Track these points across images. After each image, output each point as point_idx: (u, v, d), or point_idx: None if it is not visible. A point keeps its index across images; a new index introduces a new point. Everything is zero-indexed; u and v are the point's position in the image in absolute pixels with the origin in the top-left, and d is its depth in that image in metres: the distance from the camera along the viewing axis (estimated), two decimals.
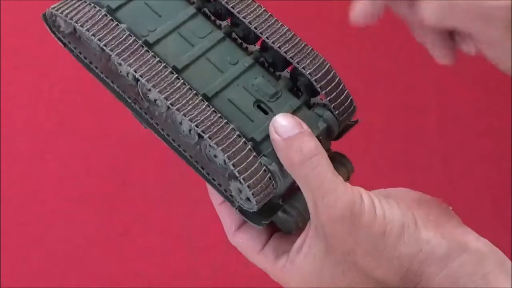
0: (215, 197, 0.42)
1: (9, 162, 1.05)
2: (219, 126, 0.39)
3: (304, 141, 0.38)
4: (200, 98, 0.39)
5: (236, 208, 0.41)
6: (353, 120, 0.44)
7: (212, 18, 0.44)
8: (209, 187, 0.42)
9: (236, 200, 0.41)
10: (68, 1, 0.42)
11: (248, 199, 0.39)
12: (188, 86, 0.40)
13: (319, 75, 0.41)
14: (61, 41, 0.43)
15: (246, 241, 0.42)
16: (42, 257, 1.02)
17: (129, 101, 0.42)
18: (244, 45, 0.44)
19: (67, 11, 0.41)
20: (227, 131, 0.39)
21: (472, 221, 0.42)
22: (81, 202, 1.04)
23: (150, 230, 1.04)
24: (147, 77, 0.39)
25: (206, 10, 0.44)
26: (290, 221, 0.41)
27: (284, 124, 0.39)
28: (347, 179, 0.43)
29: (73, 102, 1.08)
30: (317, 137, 0.40)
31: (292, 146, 0.38)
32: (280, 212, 0.41)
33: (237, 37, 0.44)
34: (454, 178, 1.07)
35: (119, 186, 1.05)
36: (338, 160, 0.43)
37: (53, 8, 0.42)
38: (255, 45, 0.44)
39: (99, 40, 0.40)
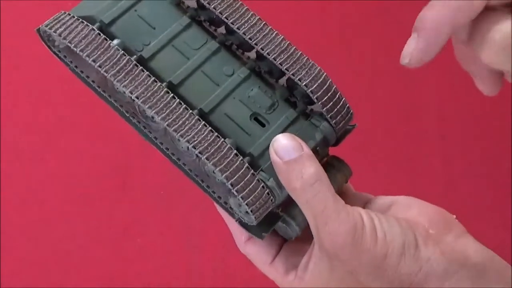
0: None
1: (9, 162, 1.05)
2: (216, 146, 0.39)
3: (305, 165, 0.38)
4: (197, 118, 0.39)
5: (236, 220, 0.41)
6: (351, 125, 0.44)
7: (207, 25, 0.44)
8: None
9: (236, 213, 0.41)
10: (60, 17, 0.42)
11: (247, 213, 0.39)
12: (184, 106, 0.39)
13: (315, 86, 0.41)
14: (57, 55, 0.43)
15: (257, 253, 0.42)
16: (42, 257, 1.02)
17: (128, 115, 0.42)
18: (240, 51, 0.44)
19: (60, 29, 0.41)
20: (224, 151, 0.39)
21: (472, 221, 0.42)
22: (81, 202, 1.04)
23: (150, 230, 1.04)
24: (143, 99, 0.39)
25: (200, 17, 0.43)
26: (290, 230, 0.41)
27: (284, 146, 0.38)
28: (345, 181, 0.43)
29: (73, 102, 1.08)
30: (315, 147, 0.41)
31: (293, 171, 0.38)
32: (280, 222, 0.41)
33: (232, 44, 0.43)
34: (454, 178, 1.07)
35: (119, 186, 1.05)
36: (335, 166, 0.43)
37: (46, 26, 0.42)
38: (251, 52, 0.43)
39: (94, 61, 0.40)
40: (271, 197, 0.39)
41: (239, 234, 0.42)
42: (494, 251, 0.40)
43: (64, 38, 0.40)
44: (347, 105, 0.42)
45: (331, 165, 0.43)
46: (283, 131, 0.41)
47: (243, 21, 0.41)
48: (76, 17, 0.41)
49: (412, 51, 0.35)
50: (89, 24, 0.41)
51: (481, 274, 0.38)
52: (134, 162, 1.06)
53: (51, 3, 1.15)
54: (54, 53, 0.43)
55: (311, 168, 0.38)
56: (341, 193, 0.44)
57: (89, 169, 1.06)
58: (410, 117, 1.11)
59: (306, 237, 0.42)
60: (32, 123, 1.07)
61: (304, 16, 1.16)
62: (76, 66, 0.42)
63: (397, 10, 1.19)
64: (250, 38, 0.41)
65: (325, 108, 0.41)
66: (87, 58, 0.40)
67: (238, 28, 0.41)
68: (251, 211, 0.39)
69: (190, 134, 0.39)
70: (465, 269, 0.38)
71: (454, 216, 0.41)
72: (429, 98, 1.13)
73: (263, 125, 0.41)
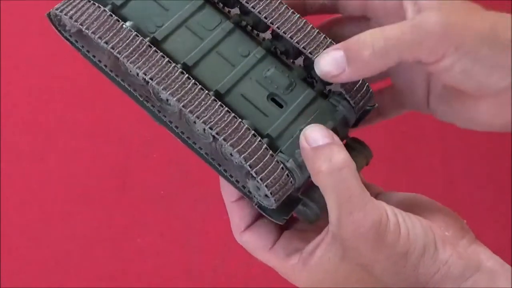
0: (228, 195, 0.41)
1: (9, 162, 1.05)
2: (234, 127, 0.38)
3: (334, 151, 0.37)
4: (213, 98, 0.38)
5: (255, 205, 0.40)
6: (371, 105, 0.43)
7: (221, 5, 0.43)
8: (223, 184, 0.41)
9: (254, 196, 0.40)
10: (71, 0, 0.41)
11: (266, 196, 0.38)
12: (200, 86, 0.39)
13: None
14: (68, 40, 0.42)
15: (255, 240, 0.41)
16: (42, 257, 1.02)
17: (141, 99, 0.41)
18: (255, 32, 0.43)
19: (71, 12, 0.40)
20: (242, 131, 0.38)
21: (472, 221, 0.42)
22: (81, 202, 1.04)
23: (150, 230, 1.04)
24: (157, 80, 0.38)
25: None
26: (310, 213, 0.40)
27: (315, 134, 0.38)
28: (366, 164, 0.43)
29: (73, 102, 1.08)
30: (334, 127, 0.40)
31: (321, 155, 0.37)
32: (300, 206, 0.40)
33: (247, 24, 0.42)
34: (454, 178, 1.06)
35: (119, 186, 1.05)
36: (356, 147, 0.42)
37: (56, 9, 0.41)
38: (266, 33, 0.43)
39: (106, 43, 0.39)
40: (291, 178, 0.38)
41: (238, 222, 0.42)
42: (494, 251, 0.40)
43: (76, 21, 0.39)
44: (366, 83, 0.41)
45: (351, 147, 0.42)
46: (302, 111, 0.40)
47: (257, 0, 0.41)
48: (87, 0, 0.40)
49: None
50: (100, 6, 0.40)
51: (495, 278, 0.38)
52: (134, 162, 1.06)
53: (51, 3, 1.15)
54: (66, 38, 0.42)
55: (341, 154, 0.37)
56: None
57: (89, 169, 1.05)
58: (410, 117, 1.11)
59: (307, 227, 0.42)
60: (32, 123, 1.07)
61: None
62: (88, 51, 0.42)
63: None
64: (265, 17, 0.40)
65: (344, 88, 0.40)
66: (99, 40, 0.39)
67: (253, 7, 0.41)
68: (271, 193, 0.38)
69: (206, 115, 0.38)
70: (479, 272, 0.38)
71: (465, 221, 0.41)
72: None
73: (280, 106, 0.40)
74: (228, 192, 0.41)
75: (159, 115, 0.41)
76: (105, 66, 0.42)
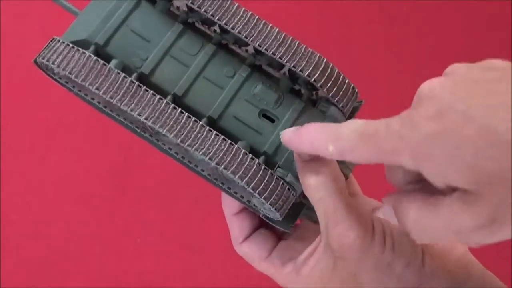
0: (228, 208, 0.43)
1: (9, 162, 1.05)
2: (232, 154, 0.39)
3: (322, 164, 0.38)
4: (208, 128, 0.39)
5: (262, 216, 0.41)
6: (358, 101, 0.43)
7: (200, 25, 0.43)
8: (223, 198, 0.42)
9: (260, 209, 0.41)
10: (54, 46, 0.41)
11: (271, 209, 0.40)
12: (194, 119, 0.39)
13: (317, 74, 0.41)
14: (59, 82, 0.43)
15: (253, 250, 0.42)
16: (42, 257, 1.02)
17: (138, 131, 0.42)
18: (239, 45, 0.43)
19: (57, 60, 0.40)
20: (240, 157, 0.39)
21: None
22: (81, 202, 1.04)
23: (150, 230, 1.04)
24: (152, 119, 0.39)
25: (191, 19, 0.43)
26: (314, 215, 0.41)
27: None
28: (350, 171, 0.43)
29: (73, 102, 1.08)
30: None
31: (310, 168, 0.38)
32: (304, 210, 0.41)
33: (228, 42, 0.43)
34: None
35: (119, 186, 1.05)
36: None
37: (42, 58, 0.41)
38: (249, 46, 0.43)
39: (97, 89, 0.39)
40: (292, 191, 0.40)
41: (237, 234, 0.43)
42: (494, 251, 0.40)
43: (64, 69, 0.40)
44: (352, 85, 0.42)
45: None
46: (293, 123, 0.41)
47: (236, 20, 0.41)
48: (70, 45, 0.40)
49: (285, 134, 0.38)
50: (85, 51, 0.40)
51: None
52: (134, 162, 1.06)
53: (51, 3, 1.15)
54: (56, 80, 0.43)
55: (328, 167, 0.38)
56: (351, 193, 0.45)
57: (89, 169, 1.06)
58: None
59: (302, 235, 0.43)
60: (32, 123, 1.07)
61: (304, 15, 1.16)
62: (79, 90, 0.42)
63: (398, 10, 1.19)
64: (245, 36, 0.41)
65: (330, 94, 0.41)
66: (90, 87, 0.40)
67: (232, 28, 0.41)
68: (275, 209, 0.39)
69: (204, 147, 0.39)
70: (467, 286, 0.39)
71: None
72: None
73: (272, 120, 0.41)
74: (229, 206, 0.42)
75: (158, 144, 0.42)
76: (99, 103, 0.42)
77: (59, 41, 0.41)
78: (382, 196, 0.45)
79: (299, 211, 0.42)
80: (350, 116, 0.43)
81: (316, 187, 0.38)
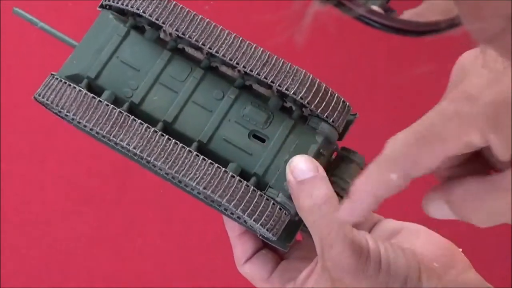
0: (231, 230, 0.43)
1: (9, 162, 1.05)
2: (219, 178, 0.39)
3: (316, 186, 0.38)
4: (195, 153, 0.40)
5: (259, 236, 0.41)
6: (353, 114, 0.43)
7: (189, 51, 0.44)
8: (226, 219, 0.43)
9: (256, 230, 0.41)
10: (49, 83, 0.43)
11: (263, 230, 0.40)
12: (181, 145, 0.40)
13: (304, 91, 0.41)
14: (59, 115, 0.44)
15: (254, 271, 0.43)
16: (42, 257, 1.02)
17: (136, 158, 0.43)
18: (228, 69, 0.44)
19: (51, 97, 0.43)
20: (227, 180, 0.39)
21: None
22: (81, 202, 1.04)
23: (149, 230, 1.04)
24: (140, 148, 0.40)
25: (181, 45, 0.43)
26: None
27: (300, 167, 0.39)
28: (361, 168, 0.43)
29: None
30: (318, 150, 0.41)
31: (303, 191, 0.38)
32: (303, 227, 0.41)
33: (217, 65, 0.43)
34: None
35: (119, 186, 1.05)
36: (347, 156, 0.42)
37: (39, 95, 0.44)
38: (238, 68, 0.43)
39: (88, 122, 0.41)
40: (284, 211, 0.40)
41: (240, 255, 0.43)
42: (493, 251, 0.40)
43: (57, 105, 0.42)
44: (342, 99, 0.42)
45: (343, 157, 0.42)
46: (284, 142, 0.41)
47: (219, 43, 0.42)
48: (63, 81, 0.42)
49: (342, 209, 0.34)
50: (76, 86, 0.42)
51: None
52: (134, 162, 1.06)
53: (51, 3, 1.15)
54: (56, 114, 0.44)
55: (321, 189, 0.38)
56: None
57: (89, 169, 1.06)
58: (410, 117, 1.11)
59: (304, 255, 0.43)
60: (32, 123, 1.07)
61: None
62: (78, 122, 0.43)
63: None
64: (230, 59, 0.41)
65: (319, 110, 0.41)
66: (81, 121, 0.41)
67: (216, 52, 0.41)
68: (267, 230, 0.39)
69: (191, 172, 0.39)
70: None
71: (461, 250, 0.41)
72: (429, 98, 1.13)
73: (263, 140, 0.41)
74: (231, 227, 0.43)
75: (155, 170, 0.43)
76: (97, 133, 0.43)
77: (54, 77, 0.44)
78: (397, 196, 0.45)
79: (297, 229, 0.41)
80: (343, 131, 0.43)
81: (309, 210, 0.38)
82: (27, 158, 1.06)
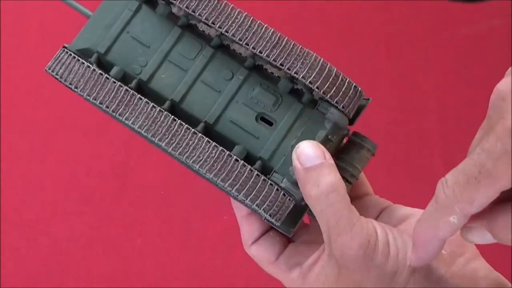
0: (238, 210, 0.42)
1: (9, 162, 1.05)
2: (222, 161, 0.39)
3: (323, 173, 0.38)
4: (200, 135, 0.39)
5: (265, 219, 0.41)
6: (366, 98, 0.43)
7: (201, 28, 0.43)
8: (233, 201, 0.42)
9: (261, 214, 0.40)
10: (60, 55, 0.42)
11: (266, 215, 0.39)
12: (186, 126, 0.39)
13: (313, 75, 0.40)
14: (71, 88, 0.43)
15: (261, 253, 0.42)
16: (42, 257, 1.02)
17: (142, 136, 0.42)
18: (240, 47, 0.43)
19: (60, 71, 0.42)
20: (230, 164, 0.39)
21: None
22: (81, 202, 1.04)
23: (150, 230, 1.04)
24: (145, 128, 0.40)
25: (193, 21, 0.43)
26: None
27: (306, 153, 0.38)
28: (372, 154, 0.43)
29: (73, 102, 1.08)
30: (326, 135, 0.40)
31: (310, 178, 0.38)
32: (308, 212, 0.41)
33: (228, 43, 0.43)
34: None
35: (119, 186, 1.05)
36: (358, 142, 0.42)
37: (49, 69, 0.43)
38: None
39: (94, 99, 0.41)
40: (288, 197, 0.39)
41: (247, 236, 0.42)
42: (494, 251, 0.40)
43: (65, 80, 0.42)
44: (353, 84, 0.41)
45: (353, 143, 0.42)
46: (291, 126, 0.40)
47: (230, 23, 0.41)
48: (73, 55, 0.42)
49: (411, 258, 0.37)
50: (84, 62, 0.41)
51: None
52: (134, 162, 1.06)
53: (51, 3, 1.15)
54: (67, 86, 0.43)
55: (329, 177, 0.38)
56: (362, 193, 0.44)
57: (89, 169, 1.06)
58: (410, 117, 1.11)
59: (311, 239, 0.42)
60: (32, 123, 1.07)
61: (304, 16, 1.16)
62: (86, 98, 0.43)
63: (397, 9, 1.19)
64: (239, 39, 0.41)
65: (328, 95, 0.40)
66: (88, 97, 0.41)
67: (226, 31, 0.41)
68: (270, 215, 0.39)
69: (195, 155, 0.39)
70: None
71: None
72: (429, 98, 1.13)
73: (270, 123, 0.41)
74: (238, 207, 0.42)
75: (161, 148, 0.42)
76: (107, 107, 0.42)
77: (65, 50, 0.42)
78: (393, 195, 0.45)
79: (302, 215, 0.41)
80: (355, 116, 0.42)
81: (317, 198, 0.37)
82: (27, 158, 1.06)
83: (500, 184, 0.30)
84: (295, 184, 0.39)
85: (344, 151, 0.41)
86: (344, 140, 0.42)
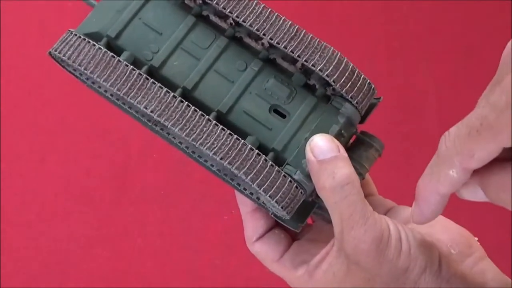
0: (243, 205, 0.42)
1: (9, 162, 1.05)
2: (237, 149, 0.38)
3: (338, 166, 0.37)
4: (214, 123, 0.38)
5: (271, 214, 0.40)
6: (376, 98, 0.42)
7: (214, 18, 0.42)
8: (238, 195, 0.42)
9: (269, 207, 0.40)
10: (67, 38, 0.41)
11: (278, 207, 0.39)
12: (200, 113, 0.39)
13: (330, 68, 0.40)
14: (73, 74, 0.43)
15: (265, 250, 0.42)
16: (42, 257, 1.02)
17: (150, 124, 0.42)
18: (252, 42, 0.42)
19: (68, 52, 0.40)
20: (245, 153, 0.38)
21: (472, 221, 0.42)
22: (81, 202, 1.04)
23: (150, 230, 1.04)
24: (158, 112, 0.39)
25: (206, 12, 0.42)
26: (327, 215, 0.40)
27: (320, 145, 0.38)
28: (379, 155, 0.42)
29: (73, 102, 1.08)
30: (339, 130, 0.40)
31: (325, 170, 0.37)
32: (316, 209, 0.41)
33: (242, 35, 0.42)
34: None
35: (119, 186, 1.05)
36: (366, 141, 0.42)
37: (55, 50, 0.41)
38: (262, 41, 0.42)
39: (105, 81, 0.39)
40: (300, 189, 0.39)
41: (251, 232, 0.42)
42: (494, 251, 0.40)
43: (74, 61, 0.40)
44: (367, 80, 0.41)
45: (361, 141, 0.42)
46: (305, 119, 0.40)
47: (248, 13, 0.40)
48: (82, 37, 0.41)
49: (413, 214, 0.36)
50: (95, 44, 0.40)
51: None
52: (134, 162, 1.06)
53: (51, 3, 1.15)
54: (70, 72, 0.43)
55: (344, 169, 0.37)
56: (367, 194, 0.44)
57: (89, 169, 1.06)
58: (410, 117, 1.11)
59: (316, 238, 0.42)
60: (32, 123, 1.07)
61: (304, 16, 1.16)
62: (93, 83, 0.42)
63: (397, 9, 1.19)
64: (257, 30, 0.40)
65: (344, 89, 0.40)
66: (98, 79, 0.39)
67: (244, 21, 0.40)
68: (282, 207, 0.38)
69: (209, 141, 0.38)
70: None
71: (476, 239, 0.41)
72: (429, 98, 1.13)
73: (283, 116, 0.40)
74: (244, 202, 0.42)
75: (168, 138, 0.42)
76: (111, 95, 0.42)
77: (72, 33, 0.41)
78: (393, 195, 0.45)
79: (310, 210, 0.41)
80: (366, 114, 0.42)
81: (331, 190, 0.37)
82: (27, 158, 1.06)
83: (501, 138, 0.29)
84: (308, 177, 0.39)
85: (351, 149, 0.41)
86: (352, 139, 0.42)
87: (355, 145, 0.41)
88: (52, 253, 1.02)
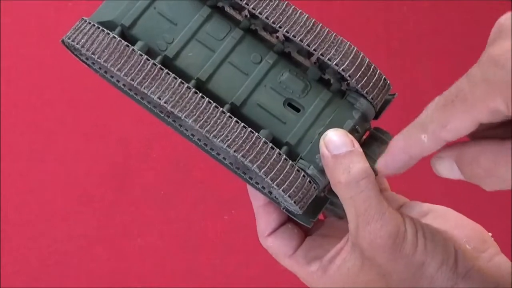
0: (255, 199, 0.42)
1: (9, 162, 1.05)
2: (251, 142, 0.38)
3: (353, 161, 0.37)
4: (228, 115, 0.38)
5: (283, 209, 0.40)
6: (391, 94, 0.42)
7: (229, 11, 0.42)
8: (250, 189, 0.41)
9: (281, 202, 0.40)
10: (81, 27, 0.41)
11: (290, 202, 0.39)
12: (214, 105, 0.38)
13: (346, 63, 0.39)
14: (85, 63, 0.42)
15: (278, 246, 0.41)
16: (42, 257, 1.02)
17: (162, 115, 0.41)
18: (268, 32, 0.42)
19: (82, 40, 0.40)
20: (259, 146, 0.38)
21: (473, 220, 0.41)
22: (81, 202, 1.04)
23: (150, 230, 1.04)
24: (172, 103, 0.38)
25: (221, 4, 0.42)
26: (339, 210, 0.40)
27: (335, 140, 0.38)
28: None
29: (73, 102, 1.08)
30: (354, 125, 0.40)
31: (340, 165, 0.37)
32: (327, 204, 0.40)
33: (257, 28, 0.42)
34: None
35: (119, 186, 1.05)
36: (379, 137, 0.41)
37: (68, 38, 0.41)
38: (277, 34, 0.42)
39: (119, 70, 0.39)
40: (314, 184, 0.38)
41: (263, 226, 0.42)
42: (504, 247, 0.40)
43: (87, 50, 0.40)
44: (383, 76, 0.41)
45: (375, 137, 0.41)
46: (319, 114, 0.40)
47: (264, 5, 0.40)
48: (96, 26, 0.40)
49: (378, 163, 0.38)
50: (109, 32, 0.40)
51: None
52: (133, 162, 1.06)
53: (51, 3, 1.15)
54: (82, 61, 0.42)
55: (359, 164, 0.37)
56: (380, 189, 0.44)
57: (89, 169, 1.06)
58: (410, 117, 1.11)
59: (328, 233, 0.42)
60: (32, 123, 1.07)
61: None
62: (105, 72, 0.42)
63: (397, 9, 1.19)
64: (273, 22, 0.40)
65: (359, 84, 0.39)
66: (112, 68, 0.39)
67: (260, 13, 0.40)
68: (294, 202, 0.38)
69: (223, 134, 0.38)
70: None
71: (490, 234, 0.40)
72: (429, 98, 1.13)
73: (297, 110, 0.40)
74: (256, 197, 0.41)
75: (181, 129, 0.41)
76: (124, 85, 0.41)
77: (85, 21, 0.41)
78: (408, 192, 0.45)
79: (322, 206, 0.40)
80: (380, 110, 0.42)
81: (347, 185, 0.37)
82: (27, 158, 1.06)
83: (474, 113, 0.30)
84: (321, 172, 0.38)
85: (365, 145, 0.41)
86: (366, 135, 0.42)
87: (369, 141, 0.41)
88: (52, 253, 1.02)
